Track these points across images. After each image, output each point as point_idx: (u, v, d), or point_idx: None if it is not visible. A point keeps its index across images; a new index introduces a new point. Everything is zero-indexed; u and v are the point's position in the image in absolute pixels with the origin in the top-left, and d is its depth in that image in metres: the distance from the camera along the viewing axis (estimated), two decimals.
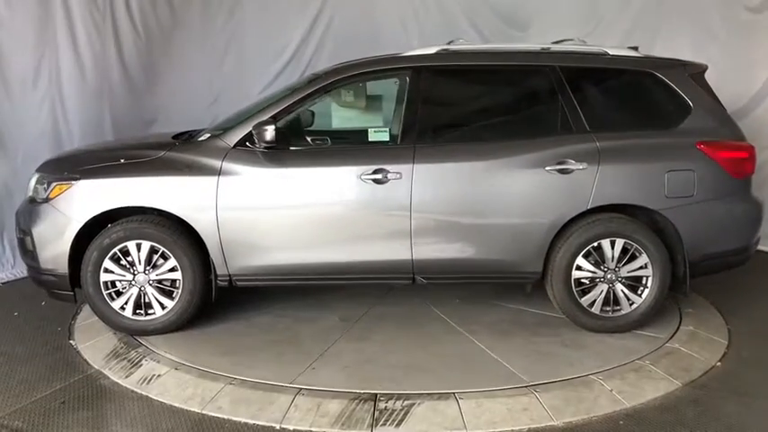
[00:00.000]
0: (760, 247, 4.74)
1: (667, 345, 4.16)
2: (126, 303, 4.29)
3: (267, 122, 4.13)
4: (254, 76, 7.36)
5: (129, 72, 6.57)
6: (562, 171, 4.21)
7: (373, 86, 5.07)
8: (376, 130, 4.63)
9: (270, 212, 4.25)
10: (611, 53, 4.53)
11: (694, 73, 4.52)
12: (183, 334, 4.35)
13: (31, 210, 4.36)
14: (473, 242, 4.29)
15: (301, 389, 3.61)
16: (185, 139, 4.59)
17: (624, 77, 4.52)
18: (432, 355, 4.05)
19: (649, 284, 4.29)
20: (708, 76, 4.59)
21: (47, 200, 4.28)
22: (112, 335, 4.37)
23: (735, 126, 4.49)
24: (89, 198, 4.24)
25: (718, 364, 4.03)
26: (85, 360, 4.14)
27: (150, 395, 3.68)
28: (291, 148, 4.31)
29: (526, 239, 4.28)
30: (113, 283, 4.28)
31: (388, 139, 4.49)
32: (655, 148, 4.33)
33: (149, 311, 4.30)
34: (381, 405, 3.47)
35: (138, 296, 4.29)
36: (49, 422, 3.43)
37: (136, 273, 4.27)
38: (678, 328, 4.41)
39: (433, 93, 4.44)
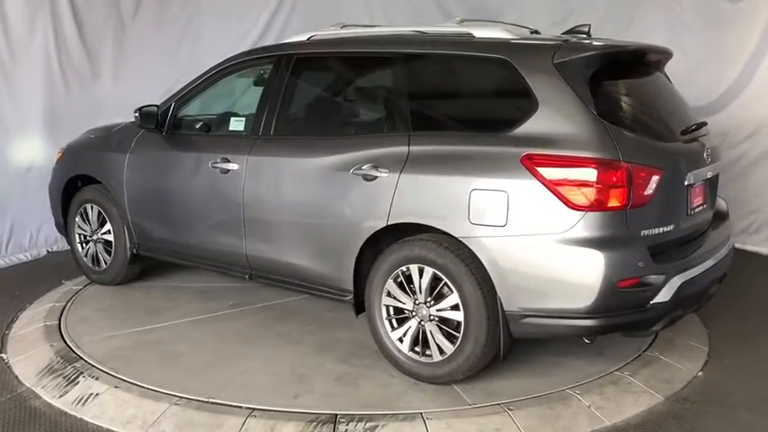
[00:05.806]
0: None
1: (647, 353, 3.92)
2: (86, 255, 5.10)
3: (139, 109, 4.51)
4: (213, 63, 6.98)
5: (75, 60, 6.19)
6: (365, 177, 3.58)
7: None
8: (236, 119, 4.49)
9: (151, 190, 4.61)
10: (477, 35, 3.62)
11: (576, 57, 3.28)
12: (104, 288, 5.04)
13: (52, 169, 5.29)
14: (292, 245, 3.95)
15: (253, 410, 3.29)
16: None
17: (474, 66, 3.61)
18: (211, 353, 3.93)
19: (461, 333, 3.38)
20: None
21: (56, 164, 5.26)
22: (48, 347, 4.00)
23: (603, 135, 3.12)
24: (66, 165, 5.13)
25: (701, 373, 3.81)
26: (16, 376, 3.78)
27: (86, 417, 3.34)
28: (176, 133, 4.56)
29: (334, 251, 3.76)
30: (84, 236, 5.10)
31: (242, 129, 4.35)
32: (463, 159, 3.35)
33: (99, 266, 5.06)
34: (341, 428, 3.16)
35: (93, 251, 5.06)
36: None
37: (92, 230, 5.03)
38: (656, 335, 4.15)
39: (285, 83, 4.13)
